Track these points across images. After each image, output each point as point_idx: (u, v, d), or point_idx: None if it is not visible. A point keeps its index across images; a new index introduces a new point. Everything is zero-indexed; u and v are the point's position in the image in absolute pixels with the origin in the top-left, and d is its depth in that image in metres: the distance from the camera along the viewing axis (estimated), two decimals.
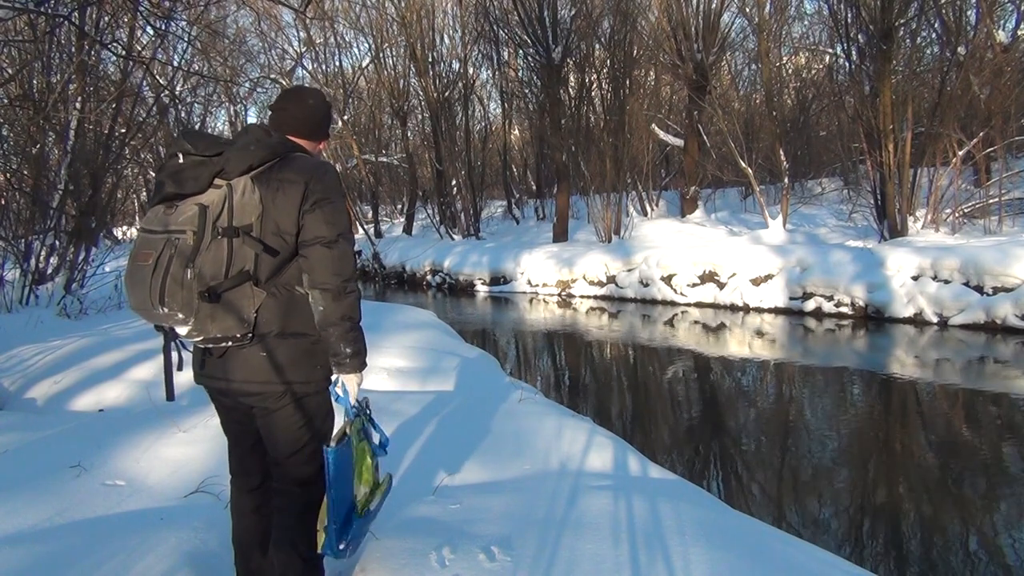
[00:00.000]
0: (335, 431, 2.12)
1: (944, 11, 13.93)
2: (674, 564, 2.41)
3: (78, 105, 8.85)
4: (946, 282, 9.74)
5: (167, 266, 1.90)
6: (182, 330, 1.97)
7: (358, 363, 2.05)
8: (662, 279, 13.27)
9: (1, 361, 6.15)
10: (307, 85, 16.62)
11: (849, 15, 13.33)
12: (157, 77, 11.66)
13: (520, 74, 23.08)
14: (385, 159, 26.85)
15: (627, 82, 18.07)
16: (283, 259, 2.00)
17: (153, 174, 21.49)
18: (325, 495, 2.09)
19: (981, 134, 12.43)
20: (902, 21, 12.63)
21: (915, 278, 10.06)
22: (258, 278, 1.97)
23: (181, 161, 1.99)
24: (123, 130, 10.41)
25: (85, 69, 9.12)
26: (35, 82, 9.45)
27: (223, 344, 1.98)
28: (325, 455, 2.02)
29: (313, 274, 1.98)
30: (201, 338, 1.97)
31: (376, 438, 2.31)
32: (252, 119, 31.28)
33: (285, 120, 2.16)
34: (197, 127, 20.45)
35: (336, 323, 1.99)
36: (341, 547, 2.07)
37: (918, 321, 9.81)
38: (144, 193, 27.14)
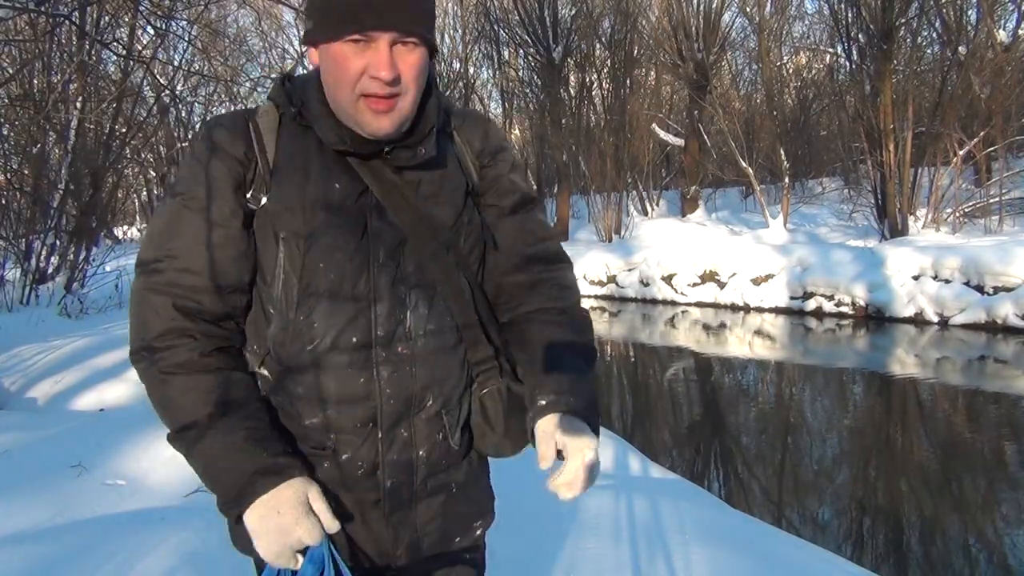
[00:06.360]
0: None
1: (945, 11, 13.91)
2: (675, 563, 2.40)
3: (78, 105, 8.83)
4: (947, 282, 9.72)
5: None
6: None
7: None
8: (663, 279, 13.26)
9: (2, 361, 6.14)
10: None
11: (850, 15, 13.32)
12: (157, 77, 11.62)
13: (521, 74, 23.05)
14: None
15: (627, 82, 18.07)
16: None
17: (153, 174, 21.44)
18: None
19: (982, 134, 12.41)
20: (903, 21, 12.63)
21: (916, 278, 10.05)
22: None
23: None
24: (123, 130, 10.38)
25: (85, 69, 9.10)
26: (35, 82, 9.43)
27: None
28: None
29: None
30: None
31: None
32: None
33: None
34: (197, 127, 20.44)
35: None
36: None
37: (919, 321, 9.80)
38: (144, 193, 27.13)
